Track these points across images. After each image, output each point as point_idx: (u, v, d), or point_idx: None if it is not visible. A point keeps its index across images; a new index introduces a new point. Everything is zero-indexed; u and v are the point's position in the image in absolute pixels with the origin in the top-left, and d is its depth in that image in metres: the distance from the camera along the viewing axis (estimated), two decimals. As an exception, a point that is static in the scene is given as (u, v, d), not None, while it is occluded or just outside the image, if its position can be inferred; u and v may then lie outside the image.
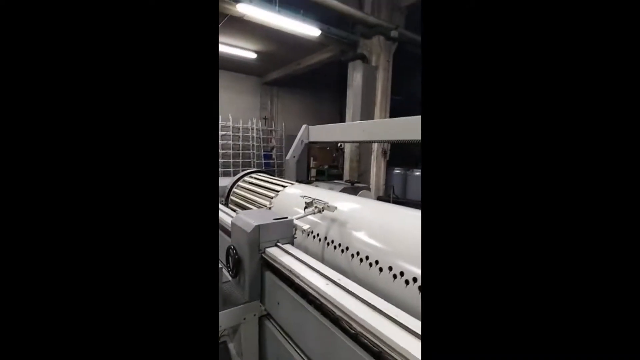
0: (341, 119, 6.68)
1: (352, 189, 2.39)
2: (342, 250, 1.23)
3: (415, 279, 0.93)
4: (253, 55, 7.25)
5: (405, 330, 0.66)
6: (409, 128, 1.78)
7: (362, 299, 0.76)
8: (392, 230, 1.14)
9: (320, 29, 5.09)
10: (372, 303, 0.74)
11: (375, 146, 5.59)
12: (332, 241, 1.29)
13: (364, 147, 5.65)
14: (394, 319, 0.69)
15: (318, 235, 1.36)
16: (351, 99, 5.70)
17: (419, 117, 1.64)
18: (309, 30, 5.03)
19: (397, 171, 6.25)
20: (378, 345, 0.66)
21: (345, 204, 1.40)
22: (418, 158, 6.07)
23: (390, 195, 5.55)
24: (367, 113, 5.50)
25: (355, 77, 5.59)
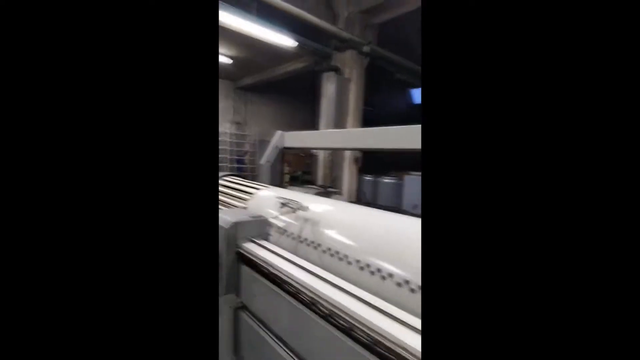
0: (314, 126, 6.84)
1: (325, 194, 2.50)
2: (315, 247, 1.32)
3: (379, 270, 1.04)
4: (229, 61, 7.23)
5: (374, 308, 0.77)
6: (381, 137, 1.92)
7: (333, 283, 0.86)
8: (362, 229, 1.25)
9: (296, 40, 5.24)
10: (342, 286, 0.84)
11: (347, 154, 5.79)
12: (306, 239, 1.38)
13: (336, 155, 5.82)
14: (362, 299, 0.79)
15: (292, 233, 1.45)
16: (324, 108, 5.88)
17: (391, 127, 1.79)
18: (285, 40, 5.16)
19: (368, 178, 6.49)
20: (349, 322, 0.76)
21: (318, 206, 1.50)
22: (388, 166, 6.35)
23: (361, 200, 5.75)
24: (340, 122, 5.70)
25: (329, 88, 5.78)
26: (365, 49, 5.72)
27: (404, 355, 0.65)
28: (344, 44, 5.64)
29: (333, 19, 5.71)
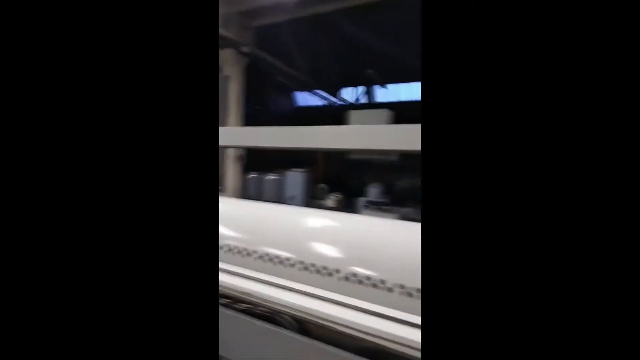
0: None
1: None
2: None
3: (255, 251, 1.29)
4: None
5: (255, 280, 1.01)
6: (265, 136, 2.12)
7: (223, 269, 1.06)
8: (249, 221, 1.46)
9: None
10: (226, 268, 1.05)
11: (230, 151, 5.77)
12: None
13: (219, 153, 5.72)
14: (242, 274, 1.03)
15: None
16: (204, 105, 5.65)
17: (274, 127, 2.00)
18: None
19: (253, 175, 6.65)
20: (234, 296, 0.98)
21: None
22: (272, 163, 6.66)
23: (245, 197, 5.86)
24: (221, 119, 5.62)
25: (208, 83, 5.59)
26: (244, 49, 5.80)
27: (278, 308, 0.91)
28: (222, 42, 5.55)
29: (210, 13, 5.51)
